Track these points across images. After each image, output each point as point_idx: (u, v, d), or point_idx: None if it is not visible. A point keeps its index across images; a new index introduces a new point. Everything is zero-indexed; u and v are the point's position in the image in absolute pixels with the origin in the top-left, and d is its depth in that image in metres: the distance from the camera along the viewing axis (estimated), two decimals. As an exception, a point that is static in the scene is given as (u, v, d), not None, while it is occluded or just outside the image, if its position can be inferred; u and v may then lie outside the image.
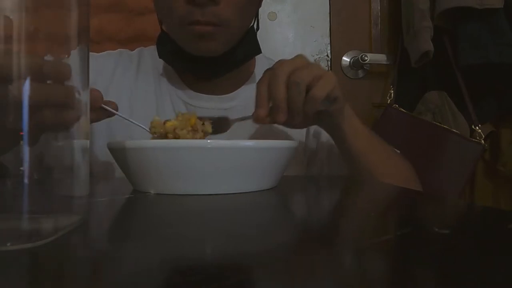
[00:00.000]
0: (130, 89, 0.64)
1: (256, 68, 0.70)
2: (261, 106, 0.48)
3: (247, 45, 0.63)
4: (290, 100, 0.46)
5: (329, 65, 1.25)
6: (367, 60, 1.18)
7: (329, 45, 1.25)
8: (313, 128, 0.68)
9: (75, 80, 0.22)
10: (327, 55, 1.25)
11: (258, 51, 0.65)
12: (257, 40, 0.65)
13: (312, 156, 0.68)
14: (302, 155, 0.67)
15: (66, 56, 0.21)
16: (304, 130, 0.68)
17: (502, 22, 1.05)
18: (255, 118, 0.48)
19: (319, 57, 1.25)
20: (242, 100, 0.65)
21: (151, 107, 0.63)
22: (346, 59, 1.24)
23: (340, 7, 1.25)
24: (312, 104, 0.47)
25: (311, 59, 1.24)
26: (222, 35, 0.56)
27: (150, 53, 0.69)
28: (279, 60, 0.50)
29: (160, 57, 0.63)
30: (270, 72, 0.48)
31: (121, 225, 0.25)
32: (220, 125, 0.50)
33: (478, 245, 0.20)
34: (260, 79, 0.49)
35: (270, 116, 0.48)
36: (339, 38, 1.25)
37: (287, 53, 1.23)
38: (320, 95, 0.46)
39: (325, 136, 0.67)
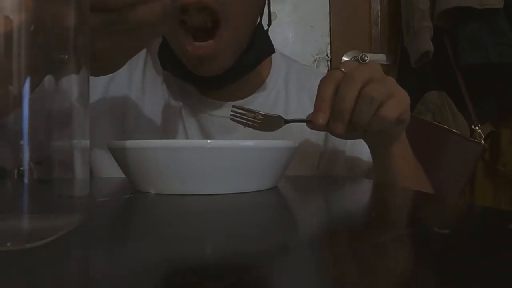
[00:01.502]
0: (136, 90, 0.60)
1: (272, 70, 0.64)
2: (322, 110, 0.42)
3: (258, 47, 0.56)
4: (357, 114, 0.41)
5: (329, 65, 1.25)
6: (367, 60, 1.18)
7: (329, 45, 1.25)
8: (331, 144, 0.64)
9: (75, 81, 0.22)
10: (327, 55, 1.26)
11: (272, 50, 0.58)
12: (269, 38, 0.58)
13: (327, 167, 0.64)
14: (316, 160, 0.63)
15: (66, 56, 0.21)
16: (322, 146, 0.64)
17: (502, 22, 1.06)
18: (313, 122, 0.43)
19: (319, 57, 1.25)
20: (255, 107, 0.60)
21: (158, 111, 0.59)
22: (346, 59, 1.24)
23: (340, 7, 1.26)
24: (379, 123, 0.42)
25: (311, 59, 1.25)
26: (224, 44, 0.49)
27: (157, 49, 0.63)
28: (347, 62, 0.45)
29: (163, 68, 0.58)
30: (340, 75, 0.43)
31: (121, 225, 0.25)
32: (272, 122, 0.47)
33: (478, 245, 0.20)
34: (325, 79, 0.43)
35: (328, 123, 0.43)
36: (339, 38, 1.25)
37: (287, 53, 1.23)
38: (392, 117, 0.42)
39: (342, 154, 0.63)
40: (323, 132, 0.63)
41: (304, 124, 0.65)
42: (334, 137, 0.62)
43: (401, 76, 1.20)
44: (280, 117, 0.47)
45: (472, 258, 0.18)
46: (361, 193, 0.43)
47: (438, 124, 1.09)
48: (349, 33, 1.25)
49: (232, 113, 0.47)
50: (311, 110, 0.64)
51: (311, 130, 0.63)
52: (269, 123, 0.47)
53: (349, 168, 0.64)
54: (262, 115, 0.47)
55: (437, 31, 1.11)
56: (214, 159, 0.34)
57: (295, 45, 1.24)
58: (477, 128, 1.10)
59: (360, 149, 0.63)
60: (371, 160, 0.61)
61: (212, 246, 0.20)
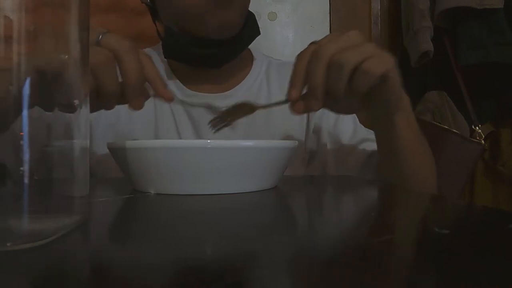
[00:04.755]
0: None
1: (254, 64, 0.70)
2: (294, 86, 0.42)
3: (250, 27, 0.63)
4: (329, 85, 0.41)
5: (329, 65, 1.25)
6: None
7: (329, 45, 1.25)
8: (313, 124, 0.67)
9: (75, 81, 0.22)
10: (327, 55, 1.25)
11: (258, 32, 0.65)
12: (256, 21, 0.66)
13: (312, 154, 0.68)
14: (302, 152, 0.67)
15: (66, 56, 0.21)
16: (304, 127, 0.67)
17: (502, 22, 1.06)
18: (288, 99, 0.43)
19: (319, 57, 1.25)
20: (240, 98, 0.65)
21: (149, 106, 0.63)
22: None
23: (340, 7, 1.26)
24: (363, 78, 0.40)
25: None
26: (238, 2, 0.57)
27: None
28: (329, 34, 0.44)
29: (166, 57, 0.63)
30: (315, 47, 0.42)
31: (121, 225, 0.25)
32: (245, 108, 0.48)
33: (478, 245, 0.20)
34: (301, 53, 0.43)
35: (304, 102, 0.43)
36: (339, 38, 1.25)
37: (287, 53, 1.24)
38: (375, 71, 0.40)
39: (326, 133, 0.66)
40: (304, 119, 0.67)
41: (286, 108, 0.66)
42: (316, 118, 0.66)
43: (401, 76, 1.20)
44: (250, 104, 0.48)
45: (472, 258, 0.18)
46: (360, 193, 0.43)
47: (438, 124, 1.09)
48: (349, 33, 1.25)
49: (214, 127, 0.48)
50: None
51: (294, 117, 0.66)
52: (242, 112, 0.48)
53: (335, 150, 0.66)
54: (233, 110, 0.47)
55: (437, 31, 1.11)
56: (214, 159, 0.34)
57: (295, 45, 1.24)
58: (477, 128, 1.10)
59: (341, 128, 0.66)
60: (352, 142, 0.64)
61: (212, 246, 0.20)
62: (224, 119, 0.47)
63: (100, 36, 0.39)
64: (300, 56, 0.43)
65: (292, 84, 0.43)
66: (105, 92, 0.38)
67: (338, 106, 0.47)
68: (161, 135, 0.62)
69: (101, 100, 0.40)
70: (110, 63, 0.38)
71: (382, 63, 0.41)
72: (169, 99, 0.43)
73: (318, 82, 0.41)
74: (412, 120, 0.51)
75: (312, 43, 0.44)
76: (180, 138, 0.62)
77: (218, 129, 0.47)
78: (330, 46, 0.41)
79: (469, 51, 1.07)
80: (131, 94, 0.40)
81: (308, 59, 0.42)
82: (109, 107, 0.42)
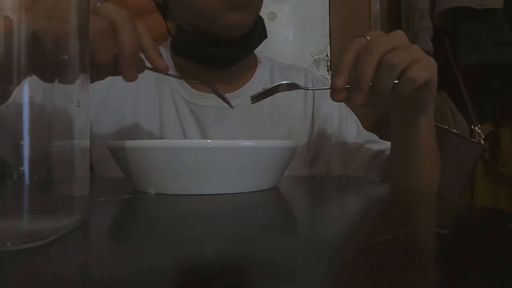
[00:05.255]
0: (133, 91, 0.64)
1: (259, 66, 0.71)
2: (341, 74, 0.42)
3: (259, 29, 0.64)
4: (377, 82, 0.41)
5: (329, 65, 1.25)
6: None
7: (329, 45, 1.25)
8: (317, 126, 0.68)
9: (75, 80, 0.22)
10: (327, 55, 1.25)
11: (266, 35, 0.66)
12: (264, 25, 0.66)
13: (316, 155, 0.68)
14: (306, 154, 0.67)
15: (66, 56, 0.21)
16: (308, 129, 0.68)
17: (502, 22, 1.06)
18: (332, 87, 0.43)
19: (319, 57, 1.25)
20: (246, 97, 0.65)
21: (154, 107, 0.63)
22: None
23: (339, 7, 1.26)
24: (408, 85, 0.41)
25: (311, 59, 1.25)
26: (253, 5, 0.58)
27: None
28: (373, 31, 0.44)
29: (175, 54, 0.63)
30: (364, 42, 0.42)
31: (121, 225, 0.25)
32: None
33: (478, 245, 0.20)
34: (347, 46, 0.43)
35: (347, 91, 0.43)
36: (339, 38, 1.25)
37: (287, 53, 1.24)
38: (420, 78, 0.41)
39: (331, 134, 0.67)
40: (308, 121, 0.67)
41: (290, 109, 0.66)
42: (320, 120, 0.67)
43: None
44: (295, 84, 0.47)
45: (472, 258, 0.18)
46: (361, 193, 0.43)
47: (438, 124, 1.09)
48: (349, 33, 1.25)
49: (252, 100, 0.48)
50: (298, 99, 0.68)
51: (298, 116, 0.67)
52: (283, 88, 0.48)
53: (340, 150, 0.66)
54: (275, 87, 0.47)
55: (437, 31, 1.11)
56: (214, 159, 0.34)
57: (295, 45, 1.24)
58: (477, 128, 1.10)
59: (345, 129, 0.67)
60: (358, 141, 0.65)
61: (212, 246, 0.20)
62: (265, 94, 0.47)
63: (98, 4, 0.38)
64: (348, 47, 0.43)
65: (338, 73, 0.43)
66: (98, 63, 0.37)
67: (370, 101, 0.47)
68: (166, 135, 0.62)
69: (93, 71, 0.39)
70: (105, 33, 0.37)
71: (427, 69, 0.42)
72: (164, 69, 0.42)
73: (368, 76, 0.41)
74: (432, 124, 0.52)
75: (356, 37, 0.44)
76: (186, 138, 0.62)
77: (256, 101, 0.47)
78: (382, 43, 0.41)
79: (469, 51, 1.07)
80: (126, 65, 0.39)
81: (357, 51, 0.42)
82: (100, 78, 0.41)
